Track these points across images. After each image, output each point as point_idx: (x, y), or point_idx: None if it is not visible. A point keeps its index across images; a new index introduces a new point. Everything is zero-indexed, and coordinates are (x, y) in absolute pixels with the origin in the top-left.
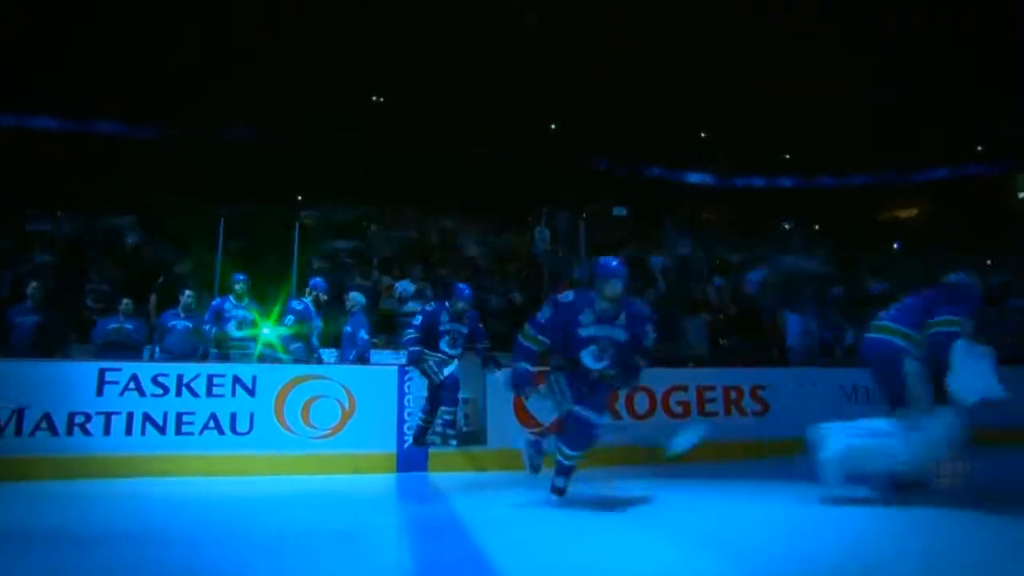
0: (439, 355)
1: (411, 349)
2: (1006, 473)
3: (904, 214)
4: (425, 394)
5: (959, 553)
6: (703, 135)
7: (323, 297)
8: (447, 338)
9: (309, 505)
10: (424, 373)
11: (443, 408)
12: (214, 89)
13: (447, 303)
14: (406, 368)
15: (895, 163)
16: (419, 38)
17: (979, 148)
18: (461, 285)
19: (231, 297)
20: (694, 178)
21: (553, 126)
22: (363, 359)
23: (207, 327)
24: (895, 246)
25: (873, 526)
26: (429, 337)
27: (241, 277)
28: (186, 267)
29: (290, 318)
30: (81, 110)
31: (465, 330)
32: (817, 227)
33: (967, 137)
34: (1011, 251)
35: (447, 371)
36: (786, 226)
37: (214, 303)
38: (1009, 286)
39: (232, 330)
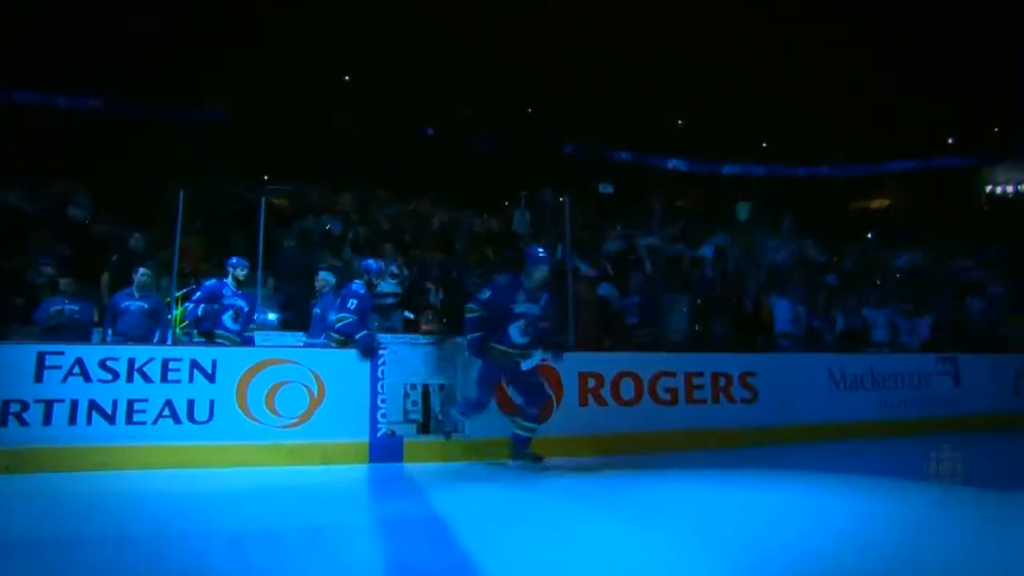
0: (506, 348)
1: (471, 336)
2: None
3: (876, 204)
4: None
5: (952, 541)
6: (680, 122)
7: (375, 281)
8: (521, 322)
9: (274, 500)
10: (488, 364)
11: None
12: (181, 65)
13: (522, 276)
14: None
15: (868, 154)
16: (393, 18)
17: (949, 141)
18: (534, 248)
19: (229, 281)
20: (668, 164)
21: (530, 110)
22: None
23: (195, 307)
24: (869, 236)
25: (866, 511)
26: (494, 322)
27: (244, 261)
28: (139, 242)
29: (353, 302)
30: (35, 79)
31: (539, 312)
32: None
33: (938, 130)
34: (981, 241)
35: (526, 365)
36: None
37: (209, 284)
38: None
39: (228, 322)
